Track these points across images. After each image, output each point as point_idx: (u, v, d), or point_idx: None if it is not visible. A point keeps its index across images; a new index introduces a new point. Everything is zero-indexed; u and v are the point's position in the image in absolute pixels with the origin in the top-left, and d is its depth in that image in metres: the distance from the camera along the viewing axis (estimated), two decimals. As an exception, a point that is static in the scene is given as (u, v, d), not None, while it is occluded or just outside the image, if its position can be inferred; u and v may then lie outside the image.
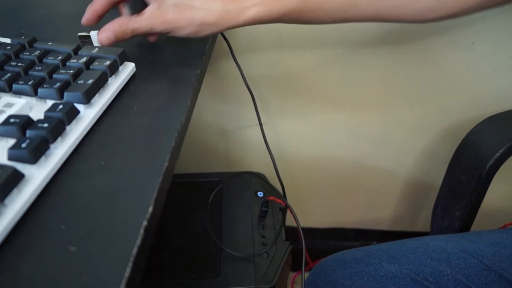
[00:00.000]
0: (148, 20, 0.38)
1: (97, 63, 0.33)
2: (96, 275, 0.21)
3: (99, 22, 0.40)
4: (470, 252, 0.46)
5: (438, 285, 0.44)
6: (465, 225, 0.60)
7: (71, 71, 0.32)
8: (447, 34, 0.65)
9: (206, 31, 0.39)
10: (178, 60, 0.39)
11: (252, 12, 0.39)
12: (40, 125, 0.26)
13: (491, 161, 0.55)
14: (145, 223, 0.23)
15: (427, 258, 0.46)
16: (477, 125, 0.63)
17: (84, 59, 0.33)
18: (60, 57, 0.33)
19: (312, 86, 0.74)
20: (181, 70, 0.38)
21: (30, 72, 0.32)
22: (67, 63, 0.33)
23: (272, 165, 0.65)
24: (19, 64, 0.33)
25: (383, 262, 0.46)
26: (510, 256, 0.45)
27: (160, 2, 0.39)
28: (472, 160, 0.59)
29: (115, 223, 0.23)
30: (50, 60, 0.33)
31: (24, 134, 0.27)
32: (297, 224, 0.69)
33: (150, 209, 0.24)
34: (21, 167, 0.25)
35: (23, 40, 0.35)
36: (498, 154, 0.54)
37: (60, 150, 0.27)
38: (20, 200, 0.23)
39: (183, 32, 0.39)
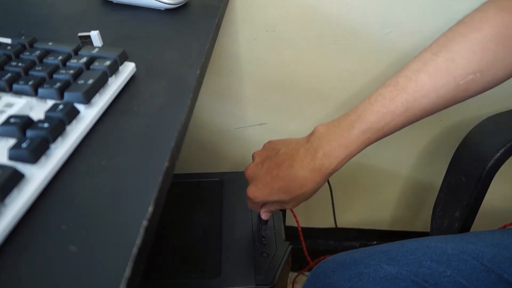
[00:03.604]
0: None
1: (97, 63, 0.33)
2: (96, 275, 0.21)
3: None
4: (470, 253, 0.45)
5: (437, 286, 0.44)
6: (465, 226, 0.60)
7: (71, 71, 0.32)
8: (447, 34, 0.65)
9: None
10: (178, 60, 0.39)
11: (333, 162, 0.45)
12: (40, 125, 0.26)
13: (491, 161, 0.55)
14: (145, 223, 0.23)
15: (426, 259, 0.46)
16: (477, 125, 0.63)
17: (84, 59, 0.33)
18: (60, 57, 0.33)
19: (312, 86, 0.74)
20: (181, 70, 0.38)
21: (30, 72, 0.32)
22: (67, 63, 0.33)
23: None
24: (19, 64, 0.33)
25: (382, 264, 0.46)
26: (510, 257, 0.45)
27: None
28: (472, 160, 0.59)
29: (115, 223, 0.23)
30: (50, 60, 0.33)
31: (24, 134, 0.27)
32: (297, 224, 0.69)
33: (150, 209, 0.24)
34: (21, 167, 0.25)
35: (23, 40, 0.35)
36: (498, 154, 0.54)
37: (60, 150, 0.27)
38: (20, 200, 0.23)
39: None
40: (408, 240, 0.49)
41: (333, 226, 0.98)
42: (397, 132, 0.45)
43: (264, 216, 0.56)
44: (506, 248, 0.46)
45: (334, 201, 0.93)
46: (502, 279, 0.44)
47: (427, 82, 0.42)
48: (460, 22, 0.43)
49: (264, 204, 0.52)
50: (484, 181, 0.56)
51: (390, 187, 0.91)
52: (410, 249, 0.47)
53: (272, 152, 0.50)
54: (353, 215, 0.96)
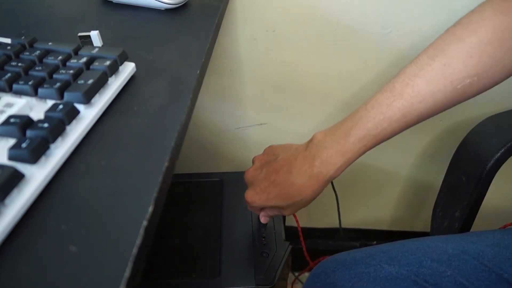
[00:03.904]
0: None
1: (97, 63, 0.33)
2: (96, 275, 0.21)
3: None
4: (470, 253, 0.45)
5: (438, 286, 0.44)
6: (465, 225, 0.60)
7: (71, 71, 0.32)
8: (447, 34, 0.65)
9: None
10: (178, 60, 0.39)
11: (331, 170, 0.45)
12: (40, 125, 0.26)
13: (492, 161, 0.55)
14: (145, 223, 0.23)
15: (427, 259, 0.46)
16: (477, 125, 0.63)
17: (84, 59, 0.33)
18: (60, 57, 0.33)
19: (312, 86, 0.74)
20: (181, 70, 0.38)
21: (30, 72, 0.32)
22: (67, 63, 0.33)
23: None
24: (19, 64, 0.33)
25: (383, 264, 0.46)
26: (510, 257, 0.45)
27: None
28: (472, 160, 0.59)
29: (115, 223, 0.23)
30: (50, 60, 0.33)
31: (24, 134, 0.27)
32: (297, 224, 0.69)
33: (150, 209, 0.24)
34: (21, 167, 0.25)
35: (23, 40, 0.35)
36: (499, 154, 0.54)
37: (60, 150, 0.27)
38: (20, 200, 0.23)
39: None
40: (408, 240, 0.49)
41: (333, 226, 0.98)
42: (403, 132, 0.45)
43: (263, 220, 0.56)
44: (507, 248, 0.46)
45: (334, 201, 0.93)
46: (502, 279, 0.44)
47: (423, 87, 0.41)
48: (457, 24, 0.43)
49: (262, 208, 0.52)
50: (484, 181, 0.56)
51: (390, 187, 0.91)
52: (411, 249, 0.47)
53: (272, 157, 0.50)
54: (353, 215, 0.96)
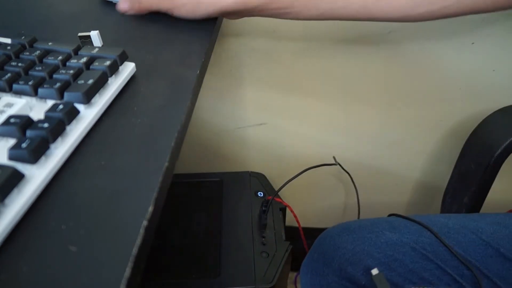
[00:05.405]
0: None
1: (97, 63, 0.33)
2: (96, 275, 0.21)
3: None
4: (470, 229, 0.48)
5: (435, 254, 0.47)
6: (472, 211, 0.63)
7: (71, 71, 0.32)
8: (447, 34, 0.65)
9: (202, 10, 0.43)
10: (178, 60, 0.39)
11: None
12: (40, 125, 0.26)
13: (499, 150, 0.57)
14: (145, 223, 0.23)
15: (427, 230, 0.49)
16: (488, 115, 0.66)
17: (84, 59, 0.33)
18: (60, 57, 0.33)
19: (312, 86, 0.74)
20: (181, 70, 0.38)
21: (30, 72, 0.32)
22: (67, 63, 0.33)
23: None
24: (19, 64, 0.33)
25: (385, 231, 0.49)
26: (509, 234, 0.47)
27: None
28: (481, 149, 0.62)
29: (115, 223, 0.23)
30: (50, 60, 0.33)
31: (24, 134, 0.27)
32: (297, 224, 0.69)
33: (150, 209, 0.24)
34: (21, 167, 0.25)
35: (23, 40, 0.35)
36: (507, 142, 0.57)
37: (60, 150, 0.27)
38: (20, 200, 0.23)
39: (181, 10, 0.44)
40: (412, 214, 0.52)
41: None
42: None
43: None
44: (507, 227, 0.48)
45: (334, 201, 0.93)
46: (498, 253, 0.46)
47: None
48: None
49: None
50: (492, 168, 0.58)
51: (391, 186, 0.90)
52: (413, 221, 0.50)
53: None
54: (354, 215, 0.96)
